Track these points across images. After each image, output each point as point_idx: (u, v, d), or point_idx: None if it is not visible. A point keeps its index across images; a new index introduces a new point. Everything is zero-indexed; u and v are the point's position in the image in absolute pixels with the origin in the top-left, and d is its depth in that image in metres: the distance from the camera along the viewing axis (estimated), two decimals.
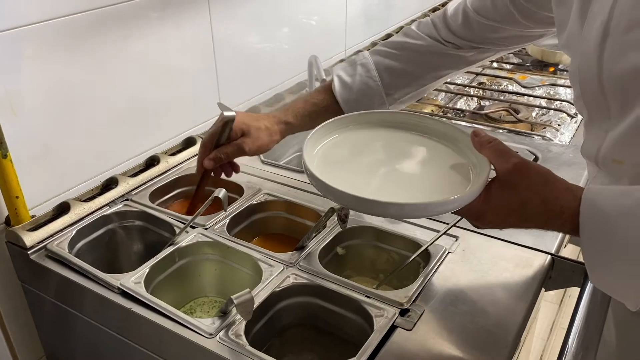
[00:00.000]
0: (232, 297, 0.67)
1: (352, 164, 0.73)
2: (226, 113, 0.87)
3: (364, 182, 0.70)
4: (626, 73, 0.61)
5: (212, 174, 0.94)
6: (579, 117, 1.34)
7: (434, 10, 2.10)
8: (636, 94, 0.62)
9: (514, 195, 0.61)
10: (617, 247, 0.57)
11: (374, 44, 1.76)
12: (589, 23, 0.65)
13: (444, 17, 0.92)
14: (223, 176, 0.97)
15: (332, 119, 0.78)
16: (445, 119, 0.80)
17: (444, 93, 1.54)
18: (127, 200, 1.01)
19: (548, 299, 1.72)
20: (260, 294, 0.79)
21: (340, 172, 0.70)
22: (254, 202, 1.00)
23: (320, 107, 0.94)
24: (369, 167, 0.73)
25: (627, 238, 0.56)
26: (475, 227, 0.68)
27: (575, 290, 0.96)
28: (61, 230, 0.93)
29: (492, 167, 0.65)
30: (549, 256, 0.88)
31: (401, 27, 1.91)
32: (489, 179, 0.64)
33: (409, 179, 0.70)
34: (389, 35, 1.83)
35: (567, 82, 1.52)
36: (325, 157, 0.73)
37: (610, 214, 0.57)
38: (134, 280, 0.82)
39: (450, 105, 1.48)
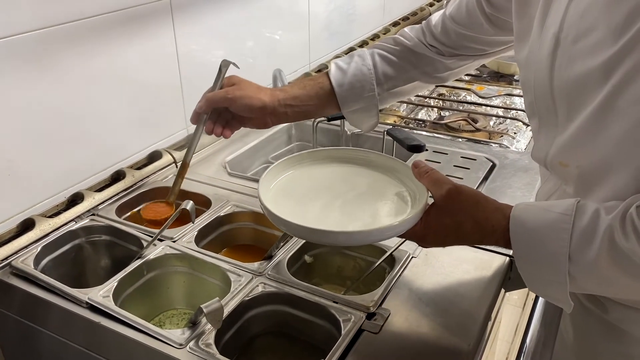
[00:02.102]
0: (202, 306, 0.68)
1: (305, 198, 0.79)
2: (224, 61, 0.94)
3: (316, 214, 0.76)
4: (572, 81, 0.67)
5: (205, 129, 0.93)
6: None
7: (395, 24, 2.16)
8: (580, 101, 0.66)
9: (449, 218, 0.69)
10: (544, 259, 0.64)
11: (337, 57, 1.80)
12: (544, 34, 0.70)
13: (428, 24, 0.98)
14: (188, 186, 0.98)
15: (285, 158, 0.84)
16: (386, 155, 0.88)
17: (405, 104, 1.59)
18: (93, 215, 1.01)
19: (512, 302, 1.77)
20: (229, 304, 0.80)
21: (293, 206, 0.76)
22: (222, 214, 1.02)
23: (316, 82, 0.94)
24: (320, 200, 0.79)
25: (552, 250, 0.63)
26: (420, 246, 0.75)
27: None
28: (26, 246, 0.92)
29: (430, 194, 0.73)
30: (508, 258, 0.92)
31: (363, 42, 1.96)
32: (428, 205, 0.72)
33: (357, 209, 0.77)
34: (351, 49, 1.88)
35: (522, 92, 1.58)
36: (280, 193, 0.79)
37: (536, 229, 0.64)
38: (102, 294, 0.82)
39: (412, 115, 1.52)
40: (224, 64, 0.96)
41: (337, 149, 0.88)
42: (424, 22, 1.00)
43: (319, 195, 0.79)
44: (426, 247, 0.74)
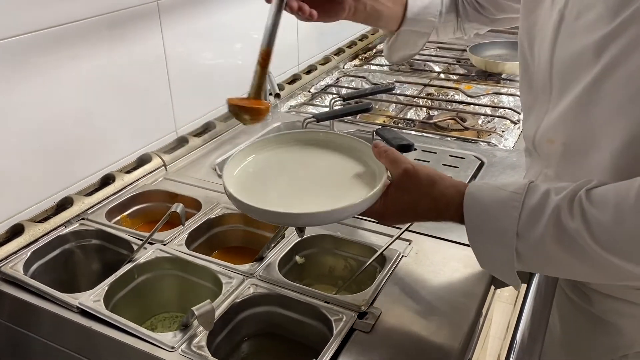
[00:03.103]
0: (193, 308, 0.69)
1: (268, 182, 0.80)
2: None
3: (278, 197, 0.76)
4: (569, 57, 0.68)
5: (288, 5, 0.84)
6: (521, 123, 1.41)
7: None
8: (573, 78, 0.68)
9: (407, 196, 0.71)
10: (494, 234, 0.66)
11: (326, 58, 1.81)
12: (552, 9, 0.71)
13: None
14: (178, 188, 0.96)
15: (248, 143, 0.86)
16: (349, 135, 0.88)
17: (394, 104, 1.59)
18: (83, 219, 1.01)
19: (503, 299, 1.79)
20: (221, 306, 0.80)
21: (256, 190, 0.77)
22: (212, 216, 1.02)
23: None
24: (283, 183, 0.79)
25: (502, 226, 0.65)
26: (381, 224, 0.76)
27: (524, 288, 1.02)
28: (15, 252, 0.91)
29: (389, 173, 0.74)
30: None
31: (352, 42, 1.97)
32: (387, 184, 0.73)
33: (319, 189, 0.78)
34: (340, 50, 1.88)
35: (510, 91, 1.60)
36: (243, 178, 0.79)
37: (488, 205, 0.66)
38: (92, 298, 0.82)
39: (401, 115, 1.53)
40: None
41: (301, 132, 0.89)
42: None
43: (281, 179, 0.80)
44: (387, 224, 0.76)
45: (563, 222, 0.61)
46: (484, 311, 0.89)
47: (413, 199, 0.71)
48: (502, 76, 1.71)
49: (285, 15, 1.66)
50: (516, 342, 1.05)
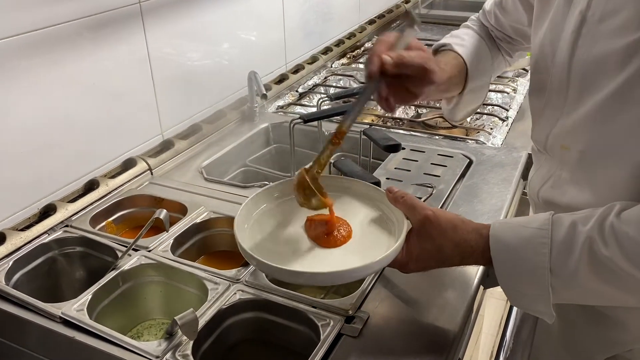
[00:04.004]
0: (176, 317, 0.67)
1: (282, 233, 0.77)
2: (413, 15, 0.77)
3: (294, 253, 0.74)
4: (592, 61, 0.67)
5: (377, 97, 0.75)
6: (510, 121, 1.41)
7: (370, 22, 2.16)
8: (595, 83, 0.67)
9: (429, 243, 0.70)
10: (526, 275, 0.65)
11: (313, 57, 1.80)
12: (570, 11, 0.70)
13: (483, 12, 0.99)
14: (163, 192, 0.95)
15: (256, 193, 0.82)
16: (360, 180, 0.85)
17: None
18: (66, 226, 0.99)
19: (496, 295, 1.79)
20: (206, 313, 0.79)
21: (270, 242, 0.75)
22: (198, 221, 1.00)
23: (455, 59, 0.88)
24: (297, 235, 0.77)
25: (533, 266, 0.64)
26: (402, 272, 0.74)
27: None
28: None
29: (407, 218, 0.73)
30: None
31: (339, 41, 1.96)
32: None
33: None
34: (328, 49, 1.87)
35: (498, 87, 1.59)
36: (256, 231, 0.77)
37: (515, 246, 0.65)
38: (76, 307, 0.80)
39: (389, 114, 1.52)
40: (414, 19, 0.75)
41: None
42: (480, 11, 1.00)
43: (295, 231, 0.77)
44: (408, 273, 0.74)
45: (597, 252, 0.61)
46: (474, 310, 0.88)
47: (436, 246, 0.69)
48: None
49: (270, 13, 1.63)
50: (506, 340, 1.05)
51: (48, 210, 1.01)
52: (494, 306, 1.82)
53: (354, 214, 0.79)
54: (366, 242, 0.75)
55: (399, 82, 0.73)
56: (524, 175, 1.21)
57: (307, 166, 0.77)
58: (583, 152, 0.70)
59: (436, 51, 0.93)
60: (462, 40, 0.92)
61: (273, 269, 0.69)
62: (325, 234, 0.75)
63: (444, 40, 0.93)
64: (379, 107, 1.58)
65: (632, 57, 0.61)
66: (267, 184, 1.12)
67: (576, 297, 0.67)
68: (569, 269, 0.62)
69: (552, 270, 0.63)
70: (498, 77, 1.68)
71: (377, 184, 0.96)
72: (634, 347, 0.77)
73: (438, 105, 1.54)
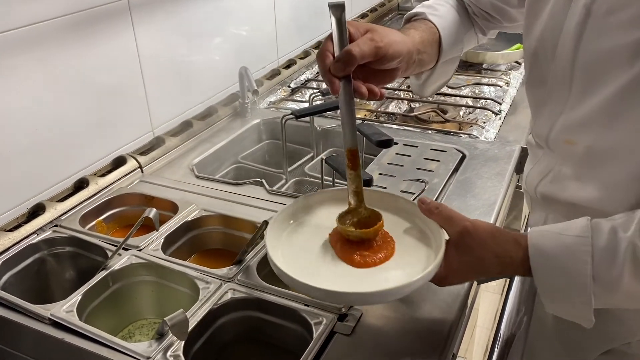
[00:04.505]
0: (166, 318, 0.67)
1: (315, 249, 0.73)
2: (331, 2, 0.69)
3: (328, 271, 0.69)
4: (598, 55, 0.65)
5: (357, 92, 0.70)
6: (503, 114, 1.40)
7: (363, 16, 2.14)
8: (602, 77, 0.65)
9: (470, 256, 0.68)
10: (568, 284, 0.64)
11: (305, 52, 1.78)
12: (573, 3, 0.68)
13: None
14: (154, 191, 0.94)
15: (287, 206, 0.78)
16: (387, 192, 0.83)
17: None
18: (56, 226, 0.98)
19: (490, 289, 1.79)
20: (197, 312, 0.78)
21: (305, 260, 0.71)
22: (189, 219, 0.99)
23: (426, 26, 0.84)
24: (330, 252, 0.72)
25: (575, 274, 0.63)
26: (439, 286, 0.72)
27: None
28: None
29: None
30: None
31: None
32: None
33: None
34: (320, 43, 1.86)
35: (491, 81, 1.59)
36: (287, 248, 0.73)
37: (556, 255, 0.64)
38: (65, 309, 0.79)
39: (382, 109, 1.51)
40: (336, 8, 0.69)
41: (337, 190, 0.82)
42: None
43: (326, 247, 0.73)
44: (444, 286, 0.72)
45: None
46: (468, 304, 0.88)
47: (476, 258, 0.68)
48: (483, 66, 1.69)
49: (261, 8, 1.61)
50: (501, 334, 1.05)
51: (37, 210, 1.00)
52: (488, 300, 1.82)
53: (387, 228, 0.74)
54: (404, 256, 0.71)
55: (365, 68, 0.70)
56: (518, 169, 1.20)
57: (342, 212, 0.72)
58: (590, 148, 0.69)
59: (409, 20, 0.89)
60: (436, 10, 0.87)
61: (310, 289, 0.65)
62: (362, 254, 0.70)
63: (417, 9, 0.88)
64: (371, 102, 1.57)
65: None
66: (260, 181, 1.12)
67: (617, 302, 0.66)
68: (612, 275, 0.62)
69: (594, 277, 0.62)
70: (491, 70, 1.68)
71: (370, 180, 0.95)
72: (631, 340, 0.76)
73: (431, 99, 1.53)
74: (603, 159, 0.68)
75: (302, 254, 0.72)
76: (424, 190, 1.07)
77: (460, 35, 0.89)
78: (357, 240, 0.71)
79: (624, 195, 0.67)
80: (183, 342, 0.73)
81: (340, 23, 0.69)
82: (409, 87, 1.64)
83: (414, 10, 0.89)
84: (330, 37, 0.69)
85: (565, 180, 0.75)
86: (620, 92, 0.63)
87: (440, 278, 0.68)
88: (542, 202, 0.82)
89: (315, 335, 0.74)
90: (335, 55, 0.68)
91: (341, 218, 0.72)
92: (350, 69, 0.67)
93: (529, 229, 0.95)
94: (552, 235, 0.66)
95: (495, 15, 0.94)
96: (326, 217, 0.76)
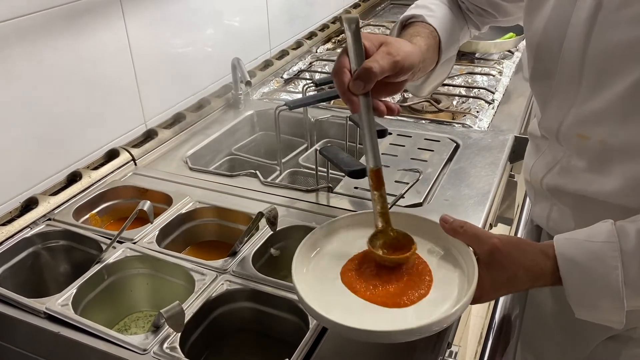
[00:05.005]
0: (162, 311, 0.67)
1: (338, 285, 0.69)
2: (345, 16, 0.67)
3: (357, 306, 0.66)
4: (612, 49, 0.65)
5: (377, 110, 0.68)
6: (496, 103, 1.40)
7: (355, 6, 2.13)
8: (615, 71, 0.65)
9: (502, 273, 0.66)
10: (599, 292, 0.64)
11: (298, 43, 1.77)
12: None
13: None
14: (148, 183, 0.93)
15: (307, 237, 0.74)
16: (405, 212, 0.80)
17: None
18: (49, 219, 0.97)
19: None
20: (193, 304, 0.78)
21: (331, 294, 0.67)
22: (184, 211, 0.99)
23: (427, 30, 0.82)
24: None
25: (606, 281, 0.63)
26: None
27: None
28: None
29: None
30: None
31: (324, 25, 1.93)
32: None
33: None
34: (312, 34, 1.85)
35: (484, 70, 1.59)
36: (312, 282, 0.69)
37: (585, 262, 0.64)
38: (60, 302, 0.79)
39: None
40: (351, 21, 0.66)
41: (352, 216, 0.77)
42: None
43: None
44: (476, 304, 0.70)
45: None
46: None
47: (508, 275, 0.66)
48: (476, 55, 1.69)
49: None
50: (495, 322, 1.05)
51: (30, 204, 0.99)
52: None
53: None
54: (437, 282, 0.68)
55: (378, 82, 0.67)
56: (511, 159, 1.21)
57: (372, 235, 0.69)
58: (605, 143, 0.69)
59: (405, 22, 0.87)
60: (432, 11, 0.86)
61: (343, 329, 0.61)
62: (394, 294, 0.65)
63: (413, 12, 0.86)
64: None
65: None
66: (254, 173, 1.11)
67: None
68: None
69: (625, 282, 0.62)
70: (483, 59, 1.68)
71: (363, 170, 0.95)
72: (635, 325, 0.77)
73: None
74: (617, 153, 0.68)
75: (324, 285, 0.68)
76: (418, 180, 1.07)
77: (456, 34, 0.89)
78: (388, 266, 0.68)
79: (638, 189, 0.67)
80: (179, 334, 0.73)
81: (357, 36, 0.66)
82: None
83: (409, 13, 0.87)
84: (345, 51, 0.67)
85: (575, 172, 0.75)
86: (634, 86, 0.63)
87: (474, 298, 0.67)
88: (547, 193, 0.81)
89: (311, 326, 0.74)
90: (353, 70, 0.66)
91: (371, 242, 0.68)
92: (370, 86, 0.65)
93: (531, 220, 0.95)
94: (579, 243, 0.65)
95: (490, 11, 0.93)
96: (349, 245, 0.72)
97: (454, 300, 0.65)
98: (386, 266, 0.69)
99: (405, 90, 1.52)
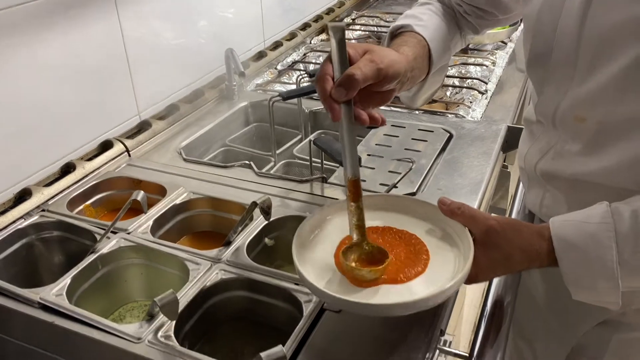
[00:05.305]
0: (156, 299, 0.67)
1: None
2: (331, 24, 0.67)
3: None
4: (607, 29, 0.65)
5: (358, 119, 0.68)
6: (489, 94, 1.41)
7: (340, 5, 2.12)
8: (611, 52, 0.65)
9: (498, 253, 0.67)
10: (595, 272, 0.64)
11: (292, 34, 1.77)
12: None
13: None
14: (142, 174, 0.93)
15: (310, 216, 0.75)
16: (404, 196, 0.81)
17: None
18: (43, 210, 0.97)
19: None
20: (188, 293, 0.79)
21: (331, 273, 0.68)
22: (178, 202, 0.99)
23: (415, 39, 0.81)
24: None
25: (602, 262, 0.64)
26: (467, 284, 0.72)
27: None
28: None
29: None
30: None
31: (318, 16, 1.93)
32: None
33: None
34: (306, 25, 1.85)
35: (477, 61, 1.59)
36: (314, 259, 0.70)
37: (580, 243, 0.65)
38: (55, 292, 0.79)
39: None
40: (336, 29, 0.67)
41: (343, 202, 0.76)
42: None
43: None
44: (471, 284, 0.71)
45: None
46: None
47: (504, 255, 0.67)
48: (469, 46, 1.69)
49: None
50: (487, 310, 1.06)
51: (23, 195, 0.99)
52: None
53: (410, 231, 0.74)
54: (433, 262, 0.70)
55: (363, 90, 0.67)
56: (504, 148, 1.21)
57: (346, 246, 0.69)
58: (602, 124, 0.69)
59: (394, 32, 0.86)
60: (421, 20, 0.85)
61: (340, 302, 0.63)
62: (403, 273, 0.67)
63: (402, 22, 0.85)
64: None
65: None
66: (248, 164, 1.11)
67: None
68: (638, 258, 0.62)
69: (620, 262, 0.63)
70: (477, 50, 1.69)
71: (358, 160, 0.95)
72: (625, 310, 0.77)
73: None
74: (614, 134, 0.69)
75: (326, 263, 0.70)
76: (410, 169, 1.07)
77: (448, 42, 0.88)
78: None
79: (634, 169, 0.68)
80: (174, 322, 0.73)
81: (341, 45, 0.66)
82: None
83: (398, 23, 0.86)
84: (328, 59, 0.67)
85: (569, 157, 0.76)
86: (630, 66, 0.63)
87: (470, 277, 0.68)
88: (541, 179, 0.82)
89: (305, 313, 0.75)
90: (336, 78, 0.65)
91: (344, 255, 0.68)
92: (353, 94, 0.65)
93: (524, 207, 0.96)
94: (575, 224, 0.66)
95: (489, 10, 0.92)
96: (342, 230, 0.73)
97: (449, 277, 0.66)
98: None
99: (397, 98, 1.53)
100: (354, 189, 0.67)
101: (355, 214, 0.68)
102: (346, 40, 0.67)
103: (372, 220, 0.74)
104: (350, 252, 0.69)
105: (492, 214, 0.71)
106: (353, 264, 0.68)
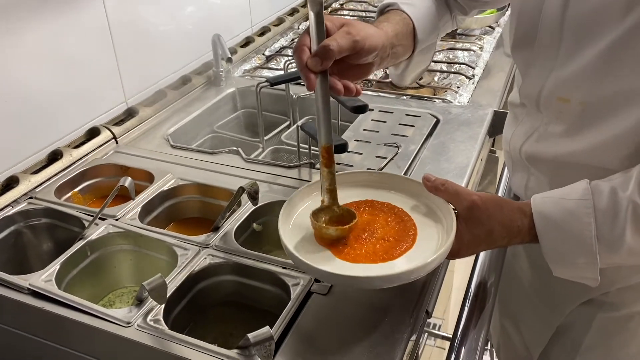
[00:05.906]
0: (144, 283, 0.68)
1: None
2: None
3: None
4: (592, 9, 0.66)
5: (333, 89, 0.71)
6: (476, 79, 1.41)
7: None
8: (593, 32, 0.66)
9: (480, 228, 0.69)
10: (574, 247, 0.66)
11: (280, 19, 1.76)
12: None
13: None
14: (129, 161, 0.93)
15: (302, 188, 0.77)
16: (391, 173, 0.84)
17: None
18: (31, 198, 0.97)
19: None
20: (177, 278, 0.80)
21: (317, 247, 0.71)
22: (166, 188, 1.00)
23: (400, 17, 0.83)
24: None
25: (580, 237, 0.65)
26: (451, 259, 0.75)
27: None
28: None
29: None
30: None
31: (306, 1, 1.92)
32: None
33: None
34: (294, 10, 1.84)
35: (465, 46, 1.59)
36: (300, 232, 0.73)
37: (560, 219, 0.66)
38: (44, 278, 0.80)
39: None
40: (315, 3, 0.68)
41: (345, 174, 0.80)
42: None
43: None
44: (456, 259, 0.73)
45: None
46: (442, 264, 0.90)
47: (486, 231, 0.69)
48: (457, 31, 1.70)
49: None
50: (470, 292, 1.08)
51: (11, 183, 0.99)
52: (465, 261, 1.87)
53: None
54: (419, 235, 0.72)
55: (341, 63, 0.70)
56: (490, 133, 1.23)
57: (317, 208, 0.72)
58: (584, 104, 0.70)
59: (382, 10, 0.88)
60: None
61: (324, 274, 0.66)
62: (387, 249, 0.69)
63: (389, 0, 0.88)
64: None
65: (637, 3, 0.60)
66: (236, 150, 1.12)
67: (621, 260, 0.68)
68: (615, 234, 0.64)
69: (598, 238, 0.64)
70: (465, 35, 1.69)
71: (345, 145, 0.96)
72: (609, 289, 0.79)
73: None
74: (598, 115, 0.70)
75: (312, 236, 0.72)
76: (396, 154, 1.08)
77: (435, 22, 0.89)
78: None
79: (616, 148, 0.69)
80: (163, 306, 0.74)
81: (319, 18, 0.68)
82: None
83: (386, 1, 0.88)
84: (307, 31, 0.69)
85: (553, 139, 0.77)
86: (612, 46, 0.64)
87: (453, 252, 0.70)
88: (525, 162, 0.83)
89: (293, 296, 0.76)
90: (313, 49, 0.68)
91: (315, 215, 0.71)
92: (328, 64, 0.67)
93: (509, 190, 0.97)
94: (555, 201, 0.68)
95: None
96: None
97: (433, 251, 0.68)
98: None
99: (386, 84, 1.53)
100: (327, 155, 0.70)
101: (328, 179, 0.71)
102: (324, 14, 0.69)
103: (358, 197, 0.77)
104: (322, 213, 0.72)
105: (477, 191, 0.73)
106: (323, 225, 0.70)
